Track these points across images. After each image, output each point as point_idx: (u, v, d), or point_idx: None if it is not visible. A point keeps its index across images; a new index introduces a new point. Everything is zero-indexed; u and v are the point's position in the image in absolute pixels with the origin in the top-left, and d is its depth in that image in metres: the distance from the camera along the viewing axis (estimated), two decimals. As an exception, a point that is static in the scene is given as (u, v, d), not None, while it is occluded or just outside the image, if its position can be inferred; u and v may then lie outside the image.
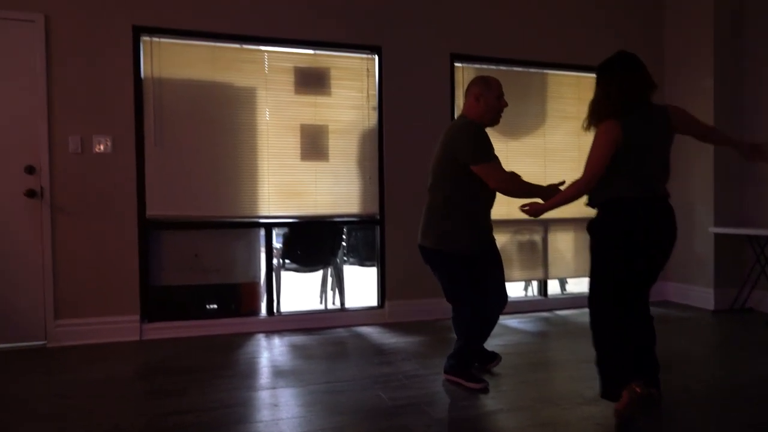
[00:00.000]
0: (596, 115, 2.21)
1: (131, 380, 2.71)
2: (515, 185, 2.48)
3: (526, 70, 4.39)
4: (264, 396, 2.48)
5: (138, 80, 3.56)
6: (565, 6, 4.47)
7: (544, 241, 4.43)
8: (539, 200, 2.45)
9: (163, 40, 3.62)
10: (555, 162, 4.41)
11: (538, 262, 4.42)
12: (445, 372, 2.64)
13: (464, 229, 2.50)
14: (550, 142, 4.43)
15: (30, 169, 3.38)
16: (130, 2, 3.53)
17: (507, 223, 4.29)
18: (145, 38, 3.59)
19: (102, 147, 3.49)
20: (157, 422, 2.17)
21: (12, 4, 3.34)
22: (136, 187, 3.56)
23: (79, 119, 3.46)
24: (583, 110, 2.31)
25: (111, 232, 3.52)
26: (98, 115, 3.49)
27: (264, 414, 2.26)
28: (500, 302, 2.63)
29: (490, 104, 2.53)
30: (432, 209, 2.56)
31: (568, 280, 5.03)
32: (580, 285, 4.99)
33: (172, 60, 3.64)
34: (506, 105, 2.58)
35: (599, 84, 2.23)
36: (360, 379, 2.69)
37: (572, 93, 4.49)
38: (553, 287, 4.81)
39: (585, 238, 4.44)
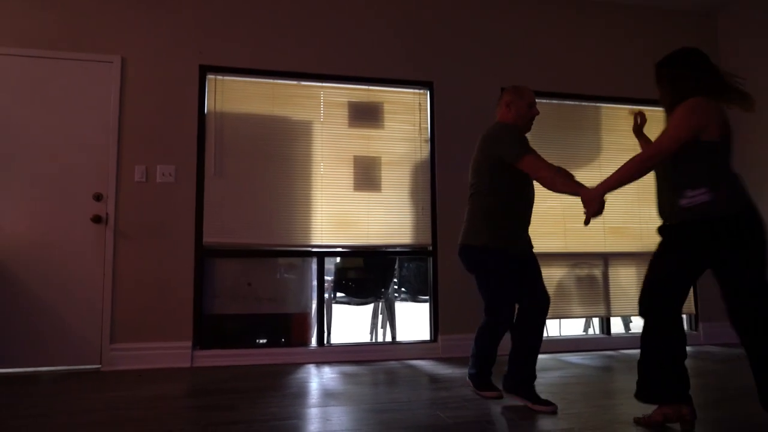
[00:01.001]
0: (685, 92, 1.99)
1: (183, 397, 2.66)
2: (561, 175, 2.38)
3: (578, 103, 4.37)
4: (316, 412, 2.37)
5: (201, 114, 3.75)
6: (616, 40, 4.50)
7: (605, 276, 4.22)
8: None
9: (226, 78, 3.83)
10: (612, 193, 4.26)
11: (599, 298, 4.19)
12: (510, 391, 2.47)
13: (505, 229, 2.46)
14: (606, 174, 4.29)
15: (98, 197, 3.55)
16: (198, 44, 3.79)
17: (564, 257, 4.14)
18: (210, 76, 3.81)
19: (165, 176, 3.65)
20: (211, 431, 2.11)
21: (94, 48, 3.64)
22: (194, 214, 3.66)
23: (146, 150, 3.64)
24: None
25: (169, 259, 3.59)
26: (163, 146, 3.67)
27: (317, 427, 2.15)
28: (543, 305, 2.48)
29: (521, 112, 2.54)
30: (473, 213, 2.53)
31: (632, 318, 4.74)
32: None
33: (234, 96, 3.83)
34: (538, 113, 2.58)
35: (684, 65, 2.05)
36: (416, 401, 2.55)
37: (627, 125, 4.41)
38: (616, 327, 4.52)
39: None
